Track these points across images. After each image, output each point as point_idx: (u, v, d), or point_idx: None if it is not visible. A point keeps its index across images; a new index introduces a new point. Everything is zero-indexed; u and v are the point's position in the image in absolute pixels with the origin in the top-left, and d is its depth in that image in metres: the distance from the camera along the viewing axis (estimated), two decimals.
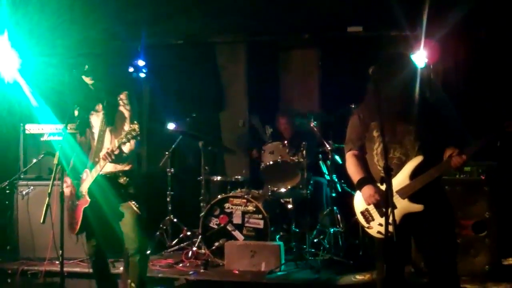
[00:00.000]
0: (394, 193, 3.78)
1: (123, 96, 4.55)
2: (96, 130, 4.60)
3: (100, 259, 4.73)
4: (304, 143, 6.76)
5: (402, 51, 4.65)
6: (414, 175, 3.82)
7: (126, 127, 4.41)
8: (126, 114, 4.53)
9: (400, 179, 3.84)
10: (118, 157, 4.31)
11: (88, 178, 4.46)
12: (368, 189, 3.90)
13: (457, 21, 6.91)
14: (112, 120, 4.51)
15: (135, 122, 4.21)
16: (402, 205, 3.82)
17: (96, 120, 4.61)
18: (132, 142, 4.24)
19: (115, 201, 4.52)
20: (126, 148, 4.35)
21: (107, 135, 4.54)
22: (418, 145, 3.83)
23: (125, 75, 7.19)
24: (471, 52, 7.38)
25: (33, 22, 7.47)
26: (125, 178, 4.57)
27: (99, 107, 4.58)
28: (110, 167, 4.49)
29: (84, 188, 4.47)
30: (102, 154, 4.31)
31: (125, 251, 4.65)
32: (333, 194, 6.92)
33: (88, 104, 4.61)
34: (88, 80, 4.47)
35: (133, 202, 4.54)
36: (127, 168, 4.59)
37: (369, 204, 3.92)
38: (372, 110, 3.85)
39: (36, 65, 7.71)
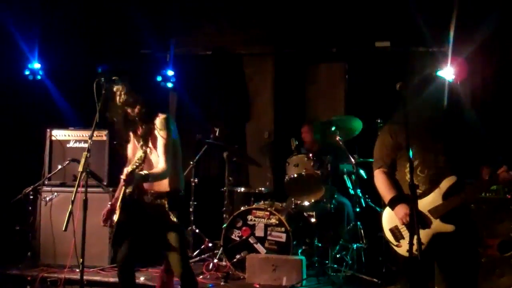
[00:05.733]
0: (426, 212, 3.82)
1: (158, 120, 4.46)
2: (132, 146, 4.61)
3: (128, 268, 4.67)
4: (329, 156, 6.72)
5: (432, 72, 4.64)
6: (447, 195, 3.80)
7: (160, 149, 4.39)
8: (160, 139, 4.43)
9: (433, 199, 3.84)
10: (140, 180, 4.26)
11: (121, 193, 4.41)
12: (402, 209, 3.88)
13: (485, 38, 6.88)
14: (147, 142, 4.45)
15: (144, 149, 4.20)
16: (434, 225, 3.81)
17: (134, 139, 4.60)
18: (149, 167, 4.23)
19: (159, 226, 4.48)
20: (148, 172, 4.29)
21: (148, 155, 4.48)
22: (451, 164, 3.85)
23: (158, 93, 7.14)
24: (499, 70, 7.33)
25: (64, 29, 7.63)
26: (165, 199, 4.49)
27: (138, 129, 4.54)
28: (153, 186, 4.47)
29: (118, 201, 4.44)
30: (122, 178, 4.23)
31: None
32: (357, 209, 6.85)
33: (128, 126, 4.57)
34: (119, 93, 4.44)
35: (177, 229, 4.48)
36: (168, 189, 4.50)
37: (403, 224, 3.88)
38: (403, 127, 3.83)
39: (66, 72, 7.86)
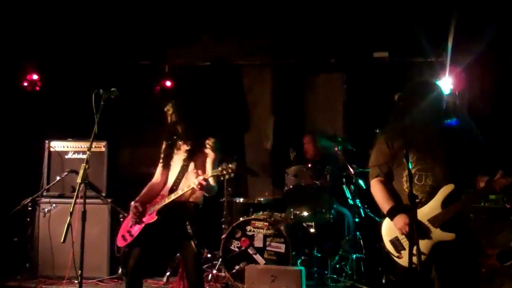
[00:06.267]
0: (426, 222, 3.80)
1: (209, 141, 4.72)
2: (179, 164, 4.75)
3: (138, 274, 4.66)
4: (328, 166, 6.72)
5: (428, 79, 4.67)
6: (445, 203, 3.79)
7: (208, 167, 4.60)
8: (210, 157, 4.67)
9: (432, 207, 3.83)
10: (205, 187, 4.41)
11: (164, 200, 4.56)
12: (401, 219, 3.85)
13: (483, 48, 6.90)
14: (193, 157, 4.69)
15: (234, 162, 4.30)
16: (435, 234, 3.79)
17: (180, 155, 4.78)
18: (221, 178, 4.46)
19: (178, 231, 4.61)
20: (213, 182, 4.52)
21: (189, 169, 4.68)
22: (448, 173, 3.83)
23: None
24: (497, 80, 7.35)
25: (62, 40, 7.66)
26: (192, 209, 4.67)
27: (183, 145, 4.79)
28: (182, 196, 4.60)
29: (156, 208, 4.56)
30: (188, 184, 4.46)
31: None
32: (356, 219, 6.84)
33: (175, 142, 4.85)
34: (173, 117, 4.75)
35: (193, 241, 4.59)
36: (188, 200, 4.69)
37: (402, 234, 3.85)
38: (400, 136, 3.82)
39: (65, 83, 7.87)
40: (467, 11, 6.96)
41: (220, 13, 8.11)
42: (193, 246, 4.57)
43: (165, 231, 4.60)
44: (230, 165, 4.23)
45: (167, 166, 4.85)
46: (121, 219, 6.25)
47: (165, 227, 4.59)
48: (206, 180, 4.34)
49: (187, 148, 4.75)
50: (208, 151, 4.68)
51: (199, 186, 4.33)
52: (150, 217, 4.55)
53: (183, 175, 4.67)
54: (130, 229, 4.67)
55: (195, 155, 4.70)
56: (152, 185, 4.87)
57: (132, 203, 4.67)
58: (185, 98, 4.94)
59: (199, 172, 4.52)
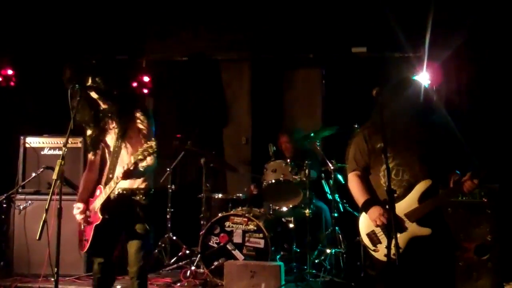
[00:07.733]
0: (403, 216, 3.80)
1: (138, 113, 4.39)
2: (110, 147, 4.47)
3: (106, 278, 4.52)
4: (306, 162, 6.71)
5: (407, 76, 4.68)
6: (422, 198, 3.80)
7: (143, 143, 4.26)
8: (143, 130, 4.38)
9: (409, 202, 3.83)
10: (134, 173, 4.16)
11: (102, 195, 4.33)
12: (376, 210, 3.84)
13: (460, 43, 6.97)
14: (125, 136, 4.37)
15: (153, 139, 4.03)
16: (410, 229, 3.80)
17: (110, 137, 4.47)
18: (149, 158, 4.09)
19: (129, 219, 4.38)
20: (143, 164, 4.16)
21: (123, 151, 4.40)
22: (426, 168, 3.84)
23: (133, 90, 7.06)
24: (474, 74, 7.42)
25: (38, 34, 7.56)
26: (141, 196, 4.40)
27: (112, 125, 4.43)
28: (126, 184, 4.34)
29: (97, 205, 4.35)
30: (119, 172, 4.15)
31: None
32: (335, 214, 6.85)
33: (100, 123, 4.45)
34: (94, 95, 4.33)
35: (146, 224, 4.39)
36: (143, 185, 4.43)
37: (377, 226, 3.85)
38: (378, 131, 3.81)
39: (40, 78, 7.77)
40: (444, 6, 7.01)
41: (198, 8, 8.07)
42: (143, 229, 4.33)
43: (117, 228, 4.38)
44: (148, 143, 3.94)
45: (97, 150, 4.49)
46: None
47: (115, 224, 4.35)
48: (129, 169, 4.05)
49: (116, 127, 4.40)
50: (139, 125, 4.38)
51: (123, 178, 4.09)
52: (96, 218, 4.32)
53: (116, 160, 4.38)
54: (84, 232, 4.46)
55: (125, 134, 4.36)
56: (86, 176, 4.56)
57: (75, 205, 4.41)
58: (106, 72, 4.38)
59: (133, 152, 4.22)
